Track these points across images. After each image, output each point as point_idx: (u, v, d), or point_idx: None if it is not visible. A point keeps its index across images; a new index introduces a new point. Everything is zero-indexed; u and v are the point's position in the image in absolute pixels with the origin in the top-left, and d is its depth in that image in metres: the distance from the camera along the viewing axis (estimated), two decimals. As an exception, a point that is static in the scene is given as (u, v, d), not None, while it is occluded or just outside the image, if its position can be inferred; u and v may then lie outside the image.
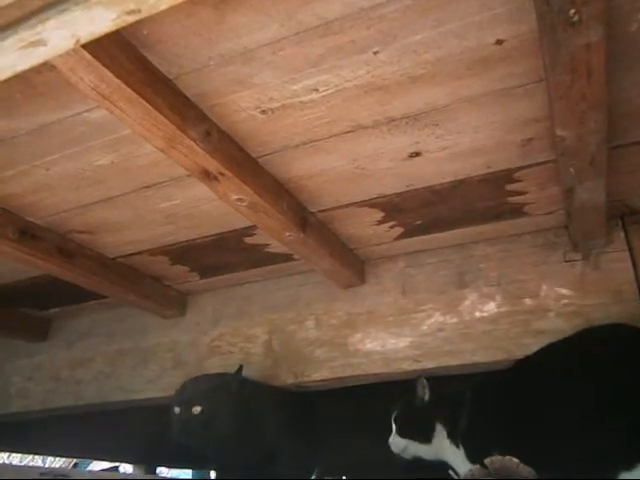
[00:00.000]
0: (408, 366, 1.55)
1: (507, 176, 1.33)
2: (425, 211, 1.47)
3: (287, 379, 1.72)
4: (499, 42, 0.95)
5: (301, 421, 1.82)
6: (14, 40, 0.65)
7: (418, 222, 1.52)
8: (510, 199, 1.41)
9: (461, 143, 1.21)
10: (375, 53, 0.98)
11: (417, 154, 1.25)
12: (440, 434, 1.40)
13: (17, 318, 2.14)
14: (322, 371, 1.66)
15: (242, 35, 0.94)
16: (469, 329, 1.52)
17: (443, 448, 1.39)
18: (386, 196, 1.41)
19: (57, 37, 0.65)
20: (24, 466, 3.13)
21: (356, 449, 2.30)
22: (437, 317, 1.56)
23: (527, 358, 1.37)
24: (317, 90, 1.06)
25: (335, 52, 0.98)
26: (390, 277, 1.68)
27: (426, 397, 1.46)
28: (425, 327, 1.56)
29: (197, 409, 1.46)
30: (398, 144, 1.22)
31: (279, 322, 1.79)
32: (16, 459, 5.59)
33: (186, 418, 1.46)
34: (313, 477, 1.99)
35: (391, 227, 1.55)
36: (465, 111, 1.12)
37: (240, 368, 1.57)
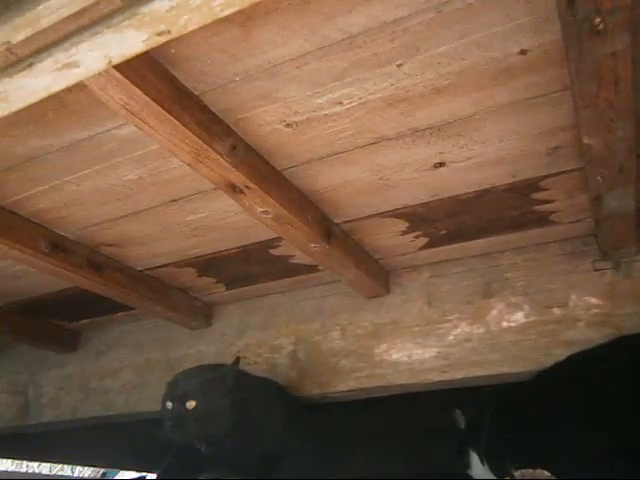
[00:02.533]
0: (435, 377, 1.54)
1: (533, 185, 1.32)
2: (450, 221, 1.47)
3: (313, 390, 1.72)
4: (523, 52, 0.95)
5: (309, 425, 1.73)
6: (49, 62, 0.68)
7: (443, 232, 1.52)
8: (536, 208, 1.40)
9: (486, 153, 1.21)
10: (399, 66, 0.99)
11: (441, 164, 1.25)
12: (472, 455, 1.39)
13: (48, 329, 2.19)
14: (348, 382, 1.66)
15: (267, 51, 0.96)
16: (496, 339, 1.50)
17: (474, 467, 1.37)
18: (410, 206, 1.41)
19: (90, 59, 0.67)
20: (54, 475, 3.19)
21: (369, 463, 2.29)
22: (463, 327, 1.55)
23: (551, 369, 1.35)
24: (341, 103, 1.07)
25: (359, 65, 0.99)
26: (415, 287, 1.67)
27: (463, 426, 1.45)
28: (451, 337, 1.55)
29: (191, 404, 1.37)
30: (422, 155, 1.22)
31: (304, 332, 1.80)
32: (45, 469, 5.68)
33: (179, 414, 1.37)
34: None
35: (416, 237, 1.55)
36: (490, 121, 1.12)
37: (237, 360, 1.49)
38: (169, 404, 1.39)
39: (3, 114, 0.78)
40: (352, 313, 1.74)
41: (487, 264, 1.59)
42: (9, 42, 0.65)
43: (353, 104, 1.07)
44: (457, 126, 1.13)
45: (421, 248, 1.60)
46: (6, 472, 3.14)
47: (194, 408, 1.36)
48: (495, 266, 1.58)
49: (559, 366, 1.33)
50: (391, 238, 1.55)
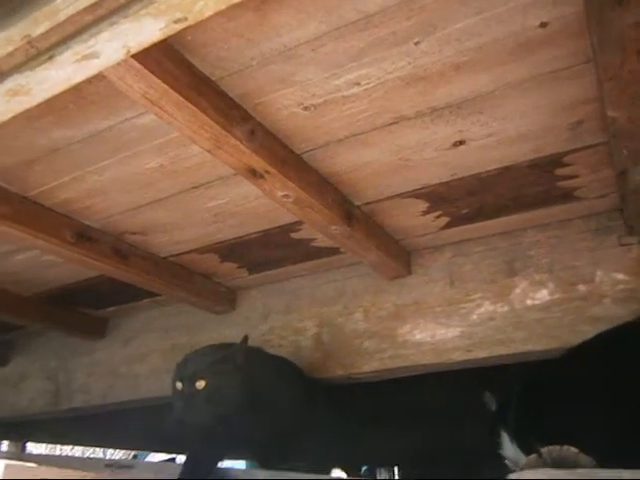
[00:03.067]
0: (458, 356, 1.54)
1: (556, 160, 1.30)
2: (471, 200, 1.45)
3: (337, 371, 1.74)
4: (543, 25, 0.93)
5: (325, 405, 1.71)
6: (69, 54, 0.68)
7: (464, 211, 1.50)
8: (560, 184, 1.38)
9: (507, 129, 1.19)
10: (416, 44, 0.98)
11: (461, 143, 1.24)
12: (503, 435, 1.39)
13: (76, 317, 2.24)
14: (372, 363, 1.67)
15: (282, 34, 0.95)
16: (521, 317, 1.49)
17: (505, 447, 1.38)
18: (431, 186, 1.40)
19: (109, 49, 0.68)
20: (90, 458, 3.28)
21: (386, 444, 2.30)
22: (487, 306, 1.54)
23: (579, 347, 1.34)
24: (359, 84, 1.06)
25: (376, 45, 0.98)
26: (437, 267, 1.66)
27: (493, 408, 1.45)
28: (475, 317, 1.55)
29: (201, 384, 1.34)
30: (442, 134, 1.21)
31: (327, 315, 1.81)
32: (78, 452, 5.84)
33: (189, 394, 1.34)
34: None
35: (437, 217, 1.54)
36: (510, 97, 1.10)
37: (245, 338, 1.45)
38: (179, 384, 1.37)
39: (26, 107, 0.79)
40: (374, 295, 1.75)
41: (510, 242, 1.58)
42: (29, 35, 0.66)
43: (371, 84, 1.06)
44: (477, 103, 1.12)
45: (442, 228, 1.59)
46: (41, 455, 3.24)
47: (204, 388, 1.34)
48: (518, 244, 1.56)
49: (587, 344, 1.32)
50: (412, 219, 1.54)
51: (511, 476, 1.03)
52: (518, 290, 1.52)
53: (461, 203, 1.47)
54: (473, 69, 1.03)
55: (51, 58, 0.69)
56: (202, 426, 1.41)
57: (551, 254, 1.52)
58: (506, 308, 1.51)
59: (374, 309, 1.73)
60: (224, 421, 1.39)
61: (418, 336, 1.61)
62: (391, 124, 1.18)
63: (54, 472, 0.94)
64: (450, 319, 1.58)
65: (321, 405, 1.69)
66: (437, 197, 1.45)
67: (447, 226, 1.58)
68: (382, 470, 3.86)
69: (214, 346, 1.51)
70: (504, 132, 1.20)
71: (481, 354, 1.51)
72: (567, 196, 1.43)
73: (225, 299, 1.99)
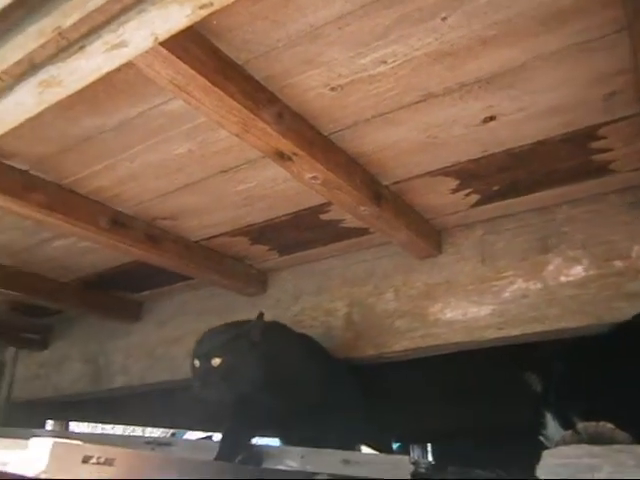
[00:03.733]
0: (491, 334, 1.53)
1: (590, 133, 1.26)
2: (502, 176, 1.43)
3: (368, 350, 1.75)
4: (575, -7, 0.90)
5: (349, 382, 1.71)
6: (99, 44, 0.69)
7: (495, 188, 1.48)
8: (594, 157, 1.34)
9: (539, 103, 1.16)
10: (443, 19, 0.96)
11: (492, 118, 1.21)
12: (547, 415, 1.38)
13: (112, 301, 2.31)
14: (403, 342, 1.67)
15: (308, 14, 0.94)
16: (554, 294, 1.47)
17: (549, 426, 1.37)
18: (460, 163, 1.39)
19: (137, 37, 0.69)
20: (131, 435, 3.39)
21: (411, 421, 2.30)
22: (520, 284, 1.52)
23: (619, 325, 1.32)
24: (385, 62, 1.05)
25: (402, 22, 0.96)
26: (468, 245, 1.65)
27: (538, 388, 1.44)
28: (507, 294, 1.53)
29: (216, 361, 1.34)
30: (471, 110, 1.19)
31: (358, 295, 1.82)
32: (119, 430, 6.04)
33: (205, 371, 1.35)
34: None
35: (467, 195, 1.52)
36: (541, 69, 1.07)
37: (260, 315, 1.44)
38: (196, 362, 1.38)
39: (59, 98, 0.81)
40: (405, 274, 1.74)
41: (543, 218, 1.55)
42: (60, 27, 0.67)
43: (397, 62, 1.05)
44: (507, 77, 1.09)
45: (473, 205, 1.57)
46: (83, 433, 3.36)
47: (219, 365, 1.34)
48: (551, 220, 1.53)
49: (630, 323, 1.30)
50: (442, 197, 1.53)
51: (546, 452, 1.03)
52: (551, 267, 1.49)
53: (492, 180, 1.45)
54: (502, 42, 1.01)
55: (82, 48, 0.70)
56: (220, 403, 1.42)
57: (586, 230, 1.48)
58: (539, 285, 1.49)
59: (405, 288, 1.73)
60: (242, 398, 1.40)
61: (449, 315, 1.61)
62: (419, 102, 1.16)
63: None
64: (482, 297, 1.57)
65: (347, 384, 1.70)
66: (467, 174, 1.43)
67: (478, 203, 1.56)
68: (415, 447, 3.89)
69: (230, 324, 1.51)
70: (536, 106, 1.17)
71: (514, 332, 1.50)
72: (601, 170, 1.39)
73: (256, 281, 2.01)
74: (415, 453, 3.75)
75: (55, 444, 0.85)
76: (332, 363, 1.70)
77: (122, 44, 0.69)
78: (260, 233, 1.75)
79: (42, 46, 0.70)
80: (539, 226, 1.55)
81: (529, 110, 1.19)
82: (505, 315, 1.52)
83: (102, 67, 0.74)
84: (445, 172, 1.42)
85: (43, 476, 0.84)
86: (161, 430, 5.64)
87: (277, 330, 1.58)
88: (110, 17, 0.66)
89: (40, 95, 0.79)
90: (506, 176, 1.43)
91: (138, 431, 5.94)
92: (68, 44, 0.70)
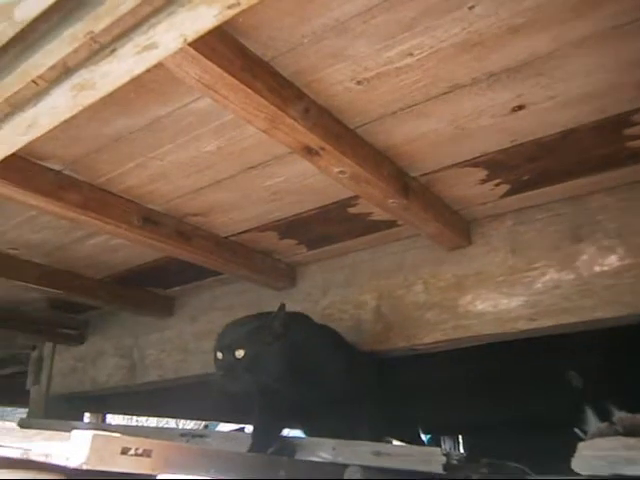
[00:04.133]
0: (523, 325, 1.51)
1: (624, 120, 1.23)
2: (532, 166, 1.41)
3: (399, 343, 1.75)
4: (607, -23, 0.88)
5: (376, 376, 1.72)
6: (130, 47, 0.71)
7: (525, 177, 1.46)
8: (628, 144, 1.31)
9: (570, 90, 1.14)
10: (470, 8, 0.95)
11: (521, 107, 1.19)
12: (587, 410, 1.36)
13: (145, 297, 2.35)
14: (434, 334, 1.67)
15: (333, 8, 0.94)
16: (588, 285, 1.44)
17: (589, 421, 1.35)
18: (489, 154, 1.37)
19: (167, 39, 0.70)
20: (166, 428, 3.47)
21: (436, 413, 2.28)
22: (552, 274, 1.50)
23: None
24: (412, 54, 1.04)
25: (428, 13, 0.95)
26: (498, 236, 1.63)
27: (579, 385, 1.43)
28: (539, 285, 1.51)
29: (240, 353, 1.36)
30: (500, 99, 1.17)
31: (387, 288, 1.82)
32: (152, 422, 6.18)
33: (229, 363, 1.36)
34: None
35: (496, 185, 1.50)
36: (572, 56, 1.05)
37: (282, 306, 1.45)
38: (219, 354, 1.39)
39: (92, 100, 0.83)
40: (434, 266, 1.74)
41: (575, 208, 1.52)
42: (92, 32, 0.68)
43: (424, 54, 1.04)
44: (536, 65, 1.08)
45: (502, 196, 1.55)
46: (119, 425, 3.45)
47: (243, 357, 1.35)
48: (584, 209, 1.50)
49: None
50: (470, 188, 1.51)
51: (581, 445, 1.02)
52: (585, 257, 1.47)
53: (522, 170, 1.43)
54: (531, 30, 0.99)
55: (113, 52, 0.72)
56: (244, 394, 1.42)
57: (620, 218, 1.45)
58: (572, 275, 1.47)
59: (434, 280, 1.73)
60: (266, 389, 1.41)
61: (480, 306, 1.60)
62: (446, 93, 1.15)
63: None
64: (513, 288, 1.55)
65: (370, 375, 1.69)
66: (496, 165, 1.41)
67: (507, 194, 1.54)
68: (446, 439, 3.88)
69: (252, 316, 1.52)
70: (566, 93, 1.15)
71: (546, 323, 1.48)
72: (636, 157, 1.36)
73: (285, 275, 2.03)
74: (446, 445, 3.75)
75: (95, 436, 0.88)
76: (354, 354, 1.70)
77: (152, 46, 0.70)
78: (288, 228, 1.77)
79: (75, 50, 0.71)
80: (571, 215, 1.52)
81: (559, 98, 1.17)
82: (537, 306, 1.50)
83: (133, 69, 0.76)
84: (474, 163, 1.41)
85: (84, 467, 0.87)
86: (193, 422, 5.76)
87: (299, 321, 1.59)
88: (140, 20, 0.68)
89: (74, 98, 0.81)
90: (536, 165, 1.41)
91: (171, 423, 6.08)
92: (100, 48, 0.72)
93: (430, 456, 1.23)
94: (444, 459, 1.20)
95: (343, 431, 1.48)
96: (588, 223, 1.49)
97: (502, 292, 1.57)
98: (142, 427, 3.43)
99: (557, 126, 1.26)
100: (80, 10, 0.64)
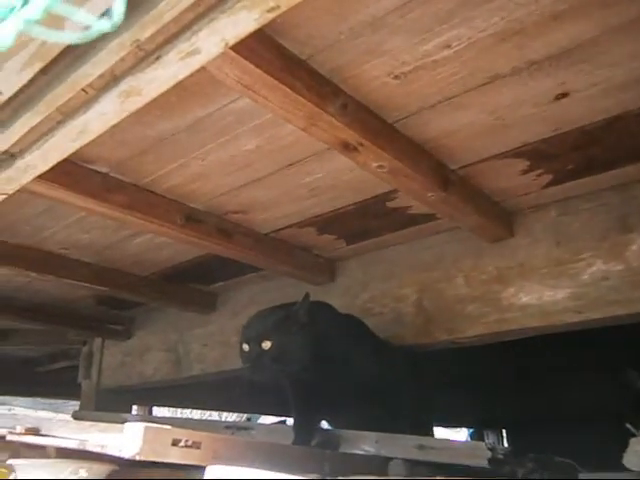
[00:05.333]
0: (569, 318, 1.48)
1: (672, 105, 1.19)
2: (576, 154, 1.38)
3: (441, 336, 1.74)
4: (654, -42, 0.85)
5: (409, 369, 1.69)
6: (174, 53, 0.73)
7: (569, 167, 1.43)
8: (678, 129, 1.27)
9: (614, 76, 1.11)
10: (509, -3, 0.93)
11: (564, 95, 1.17)
12: None
13: (189, 293, 2.41)
14: (476, 327, 1.65)
15: (369, 5, 0.95)
16: (639, 276, 1.40)
17: None
18: (531, 144, 1.35)
19: (209, 44, 0.72)
20: (211, 420, 3.55)
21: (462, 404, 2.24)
22: (599, 265, 1.46)
23: None
24: (449, 46, 1.03)
25: (465, 4, 0.95)
26: (541, 227, 1.60)
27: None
28: (586, 277, 1.47)
29: (267, 344, 1.35)
30: (541, 88, 1.15)
31: (428, 281, 1.81)
32: (196, 415, 6.32)
33: (256, 355, 1.36)
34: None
35: (538, 175, 1.47)
36: (616, 42, 1.02)
37: (306, 296, 1.45)
38: (245, 346, 1.39)
39: (138, 106, 0.86)
40: (475, 258, 1.72)
41: (622, 197, 1.47)
42: (138, 40, 0.71)
43: (462, 45, 1.03)
44: (580, 52, 1.05)
45: (545, 186, 1.52)
46: (165, 417, 3.55)
47: (270, 348, 1.35)
48: (632, 198, 1.45)
49: None
50: (512, 179, 1.49)
51: (633, 440, 1.00)
52: (634, 247, 1.42)
53: (565, 159, 1.40)
54: (574, 16, 0.97)
55: (158, 59, 0.74)
56: (273, 385, 1.42)
57: (671, 206, 1.41)
58: (621, 267, 1.43)
59: (475, 273, 1.71)
60: (294, 380, 1.41)
61: (524, 299, 1.57)
62: (485, 84, 1.14)
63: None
64: (558, 280, 1.52)
65: (401, 367, 1.67)
66: (538, 155, 1.38)
67: (550, 184, 1.51)
68: (489, 433, 3.84)
69: (277, 306, 1.52)
70: (611, 80, 1.12)
71: (594, 315, 1.45)
72: (686, 142, 1.31)
73: (325, 270, 2.04)
74: (489, 439, 3.70)
75: (147, 428, 0.91)
76: (382, 345, 1.68)
77: (195, 52, 0.72)
78: (327, 223, 1.78)
79: (122, 59, 0.74)
80: (618, 205, 1.48)
81: (604, 84, 1.13)
82: (584, 298, 1.47)
83: (177, 75, 0.78)
84: (515, 153, 1.38)
85: (137, 457, 0.90)
86: (236, 415, 5.86)
87: (323, 310, 1.58)
88: (184, 27, 0.70)
89: (121, 104, 0.84)
90: (581, 154, 1.37)
91: (215, 416, 6.21)
92: (145, 55, 0.74)
93: (475, 450, 1.22)
94: (489, 453, 1.19)
95: (368, 423, 1.47)
96: (637, 212, 1.45)
97: (547, 284, 1.54)
98: (188, 419, 3.52)
99: (602, 113, 1.23)
100: (127, 20, 0.66)
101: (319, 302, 1.60)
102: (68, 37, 0.41)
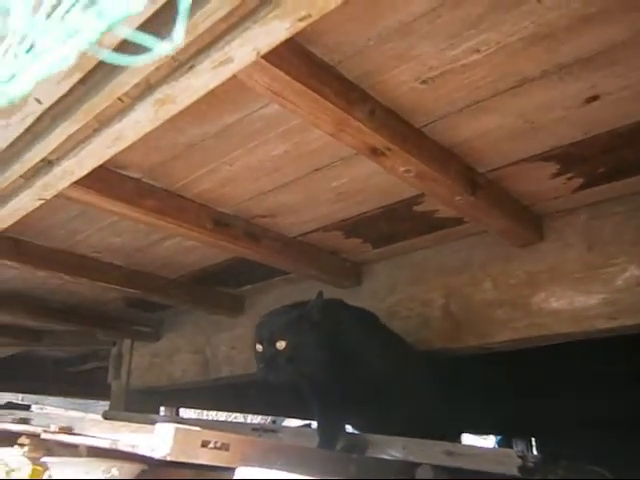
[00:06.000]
0: (602, 324, 1.45)
1: None
2: (607, 157, 1.36)
3: (469, 341, 1.73)
4: (688, -42, 0.84)
5: (429, 370, 1.66)
6: (207, 63, 0.75)
7: (600, 170, 1.41)
8: None
9: (647, 79, 1.09)
10: (539, 0, 0.93)
11: (594, 98, 1.16)
12: None
13: (217, 296, 2.44)
14: (505, 332, 1.63)
15: (398, 11, 0.95)
16: (674, 281, 1.37)
17: None
18: (561, 147, 1.33)
19: (241, 53, 0.73)
20: (237, 422, 3.59)
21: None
22: (633, 270, 1.43)
23: None
24: (478, 51, 1.03)
25: (495, 8, 0.94)
26: (572, 231, 1.57)
27: None
28: (620, 282, 1.44)
29: (281, 344, 1.33)
30: (571, 91, 1.14)
31: (455, 285, 1.80)
32: (221, 417, 6.37)
33: (271, 355, 1.33)
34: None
35: (569, 179, 1.45)
36: (650, 43, 1.01)
37: (320, 294, 1.43)
38: (259, 347, 1.36)
39: (172, 114, 0.88)
40: (503, 263, 1.70)
41: (656, 200, 1.45)
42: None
43: (491, 49, 1.03)
44: (611, 54, 1.04)
45: (576, 190, 1.50)
46: (192, 419, 3.59)
47: (284, 348, 1.33)
48: (666, 201, 1.43)
49: None
50: (541, 182, 1.47)
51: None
52: (670, 252, 1.39)
53: (596, 162, 1.38)
54: (605, 18, 0.96)
55: (192, 68, 0.76)
56: (287, 386, 1.39)
57: None
58: (656, 272, 1.40)
59: (504, 277, 1.69)
60: (310, 380, 1.39)
61: (555, 304, 1.55)
62: (514, 87, 1.13)
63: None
64: (590, 285, 1.49)
65: (424, 371, 1.65)
66: (568, 158, 1.37)
67: (581, 187, 1.49)
68: (518, 441, 3.77)
69: (289, 305, 1.50)
70: (643, 82, 1.10)
71: (628, 321, 1.41)
72: None
73: (351, 274, 2.05)
74: (518, 447, 3.64)
75: (177, 429, 0.93)
76: (399, 342, 1.65)
77: (228, 61, 0.74)
78: (354, 227, 1.78)
79: (157, 69, 0.76)
80: (652, 208, 1.45)
81: (635, 87, 1.12)
82: (617, 304, 1.44)
83: (210, 83, 0.80)
84: (544, 157, 1.37)
85: (168, 458, 0.92)
86: (260, 417, 5.89)
87: (337, 308, 1.55)
88: (217, 37, 0.72)
89: (156, 113, 0.86)
90: (612, 157, 1.35)
91: (239, 418, 6.24)
92: (179, 65, 0.76)
93: (504, 457, 1.21)
94: (519, 461, 1.17)
95: (385, 425, 1.45)
96: (672, 216, 1.42)
97: (578, 289, 1.52)
98: (214, 421, 3.55)
99: (634, 116, 1.21)
100: (148, 24, 0.68)
101: (333, 300, 1.58)
102: (131, 59, 0.43)
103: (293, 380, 1.39)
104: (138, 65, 0.73)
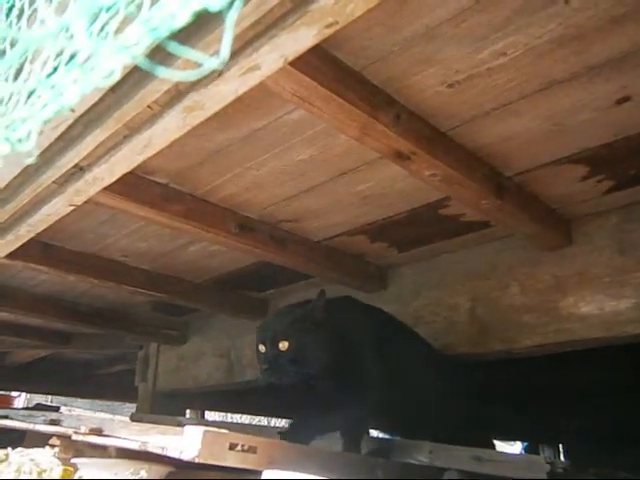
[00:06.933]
0: (634, 329, 1.42)
1: None
2: (639, 159, 1.33)
3: (495, 346, 1.71)
4: None
5: (452, 374, 1.62)
6: (235, 69, 0.76)
7: (632, 172, 1.38)
8: None
9: (679, 79, 1.07)
10: (567, 2, 0.92)
11: (626, 99, 1.14)
12: None
13: (241, 300, 2.46)
14: (534, 337, 1.61)
15: (423, 15, 0.95)
16: None
17: None
18: (591, 149, 1.31)
19: (269, 60, 0.74)
20: (263, 426, 3.60)
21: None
22: (666, 275, 1.40)
23: None
24: (505, 54, 1.02)
25: (521, 11, 0.94)
26: (602, 235, 1.54)
27: None
28: (652, 287, 1.42)
29: (284, 345, 1.30)
30: (601, 92, 1.12)
31: (481, 289, 1.78)
32: (245, 419, 6.40)
33: (274, 356, 1.31)
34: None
35: (599, 181, 1.43)
36: (682, 43, 0.99)
37: (322, 292, 1.39)
38: (262, 347, 1.35)
39: (200, 120, 0.89)
40: (530, 267, 1.68)
41: (689, 203, 1.41)
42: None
43: (518, 52, 1.02)
44: (641, 55, 1.02)
45: (606, 192, 1.47)
46: (218, 422, 3.62)
47: (287, 349, 1.30)
48: (700, 204, 1.40)
49: None
50: (570, 185, 1.45)
51: None
52: (702, 255, 1.36)
53: (628, 164, 1.35)
54: (634, 18, 0.95)
55: (220, 75, 0.77)
56: (291, 388, 1.36)
57: None
58: (690, 276, 1.37)
59: (531, 282, 1.67)
60: (313, 379, 1.36)
61: (584, 309, 1.52)
62: (541, 90, 1.12)
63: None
64: (621, 290, 1.46)
65: (445, 375, 1.61)
66: (598, 160, 1.35)
67: (611, 190, 1.46)
68: (545, 448, 3.70)
69: (292, 305, 1.48)
70: (676, 82, 1.08)
71: (661, 327, 1.39)
72: None
73: (376, 278, 2.04)
74: (546, 454, 3.58)
75: (206, 432, 0.94)
76: (420, 347, 1.61)
77: (255, 67, 0.75)
78: (379, 231, 1.78)
79: (186, 76, 0.77)
80: (686, 211, 1.42)
81: (669, 87, 1.10)
82: (649, 309, 1.41)
83: (238, 90, 0.81)
84: (573, 159, 1.35)
85: (196, 460, 0.93)
86: (284, 420, 5.90)
87: (344, 306, 1.52)
88: (245, 44, 0.72)
89: (184, 119, 0.88)
90: (643, 159, 1.33)
91: (263, 421, 6.26)
92: (209, 72, 0.77)
93: (533, 463, 1.19)
94: (548, 467, 1.16)
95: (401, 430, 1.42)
96: None
97: (609, 294, 1.49)
98: (240, 424, 3.58)
99: (666, 117, 1.19)
100: (193, 37, 0.69)
101: (342, 297, 1.55)
102: (183, 75, 0.44)
103: (295, 382, 1.35)
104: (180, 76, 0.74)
